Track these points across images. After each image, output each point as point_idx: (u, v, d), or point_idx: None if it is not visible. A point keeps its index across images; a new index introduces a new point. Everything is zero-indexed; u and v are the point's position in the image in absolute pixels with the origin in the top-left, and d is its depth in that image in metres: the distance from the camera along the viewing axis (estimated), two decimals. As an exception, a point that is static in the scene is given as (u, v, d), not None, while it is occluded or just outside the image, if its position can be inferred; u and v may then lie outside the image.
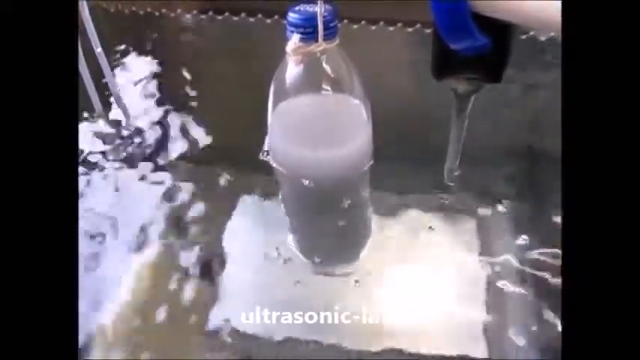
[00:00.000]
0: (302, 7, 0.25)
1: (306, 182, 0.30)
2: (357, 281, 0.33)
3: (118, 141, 0.47)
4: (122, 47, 0.59)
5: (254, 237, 0.37)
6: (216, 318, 0.32)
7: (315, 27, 0.24)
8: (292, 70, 0.27)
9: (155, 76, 0.56)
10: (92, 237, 0.38)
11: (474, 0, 0.21)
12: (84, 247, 0.37)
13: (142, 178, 0.43)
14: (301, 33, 0.25)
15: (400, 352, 0.30)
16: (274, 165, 0.31)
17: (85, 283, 0.34)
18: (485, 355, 0.29)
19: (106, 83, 0.50)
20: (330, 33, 0.25)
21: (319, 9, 0.24)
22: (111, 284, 0.35)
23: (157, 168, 0.43)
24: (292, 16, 0.25)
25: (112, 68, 0.49)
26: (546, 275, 0.33)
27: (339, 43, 0.27)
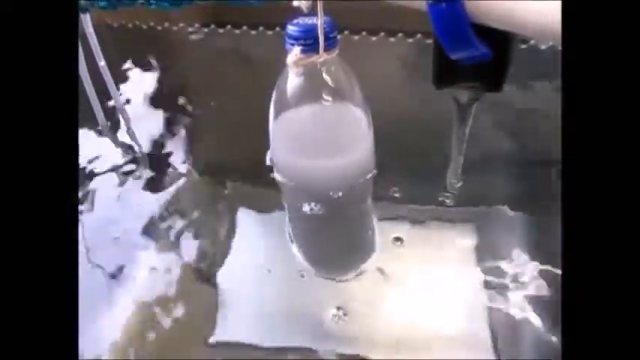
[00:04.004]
0: (301, 20, 0.25)
1: (313, 193, 0.30)
2: (359, 289, 0.33)
3: (120, 152, 0.47)
4: (125, 61, 0.60)
5: (256, 246, 0.37)
6: (218, 327, 0.32)
7: (315, 38, 0.25)
8: (293, 81, 0.27)
9: (158, 88, 0.56)
10: (92, 247, 0.38)
11: (473, 8, 0.21)
12: (84, 257, 0.37)
13: (144, 188, 0.43)
14: (302, 45, 0.25)
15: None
16: (277, 175, 0.31)
17: (85, 292, 0.34)
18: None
19: (110, 96, 0.50)
20: (330, 44, 0.25)
21: (319, 21, 0.24)
22: (111, 295, 0.35)
23: (159, 179, 0.44)
24: (292, 29, 0.25)
25: (116, 81, 0.50)
26: (549, 283, 0.32)
27: (340, 53, 0.27)
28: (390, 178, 0.39)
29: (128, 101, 0.54)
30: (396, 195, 0.39)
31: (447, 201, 0.38)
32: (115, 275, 0.36)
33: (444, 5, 0.21)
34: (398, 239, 0.36)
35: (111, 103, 0.52)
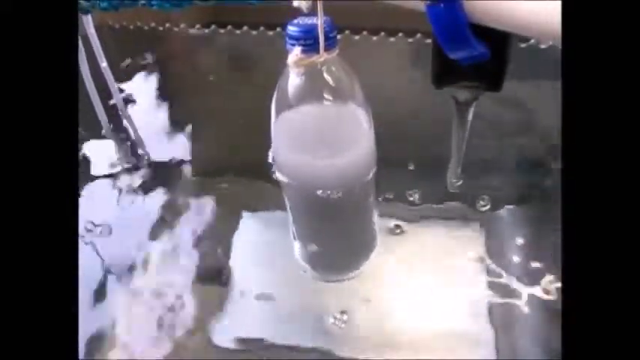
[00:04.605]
0: (301, 20, 0.26)
1: (315, 192, 0.30)
2: (361, 289, 0.33)
3: (123, 153, 0.48)
4: (127, 62, 0.60)
5: (259, 247, 0.37)
6: (220, 327, 0.32)
7: (315, 38, 0.25)
8: (294, 80, 0.27)
9: (159, 89, 0.56)
10: (96, 247, 0.38)
11: (472, 9, 0.21)
12: (88, 258, 0.37)
13: (147, 189, 0.43)
14: (302, 45, 0.25)
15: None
16: (278, 175, 0.31)
17: (87, 291, 0.34)
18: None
19: (112, 97, 0.50)
20: (330, 44, 0.26)
21: (320, 21, 0.25)
22: (116, 295, 0.35)
23: (162, 180, 0.44)
24: (292, 29, 0.25)
25: (118, 82, 0.50)
26: (550, 281, 0.32)
27: (340, 53, 0.27)
28: (390, 177, 0.39)
29: (129, 101, 0.54)
30: (396, 194, 0.39)
31: (448, 199, 0.38)
32: (118, 275, 0.36)
33: (442, 6, 0.21)
34: (399, 238, 0.36)
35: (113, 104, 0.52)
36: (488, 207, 0.38)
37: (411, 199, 0.39)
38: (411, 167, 0.41)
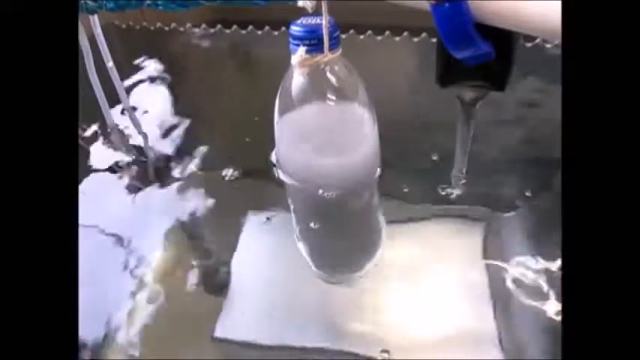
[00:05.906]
0: (303, 21, 0.26)
1: (319, 192, 0.30)
2: (363, 290, 0.33)
3: (128, 153, 0.48)
4: (133, 61, 0.60)
5: (262, 246, 0.38)
6: (222, 325, 0.32)
7: (319, 39, 0.25)
8: (297, 80, 0.27)
9: (165, 89, 0.57)
10: (100, 246, 0.39)
11: (477, 9, 0.21)
12: (91, 257, 0.37)
13: (151, 188, 0.43)
14: (306, 45, 0.25)
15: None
16: (282, 175, 0.31)
17: (92, 292, 0.35)
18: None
19: (118, 97, 0.51)
20: (333, 43, 0.26)
21: (324, 21, 0.25)
22: (118, 294, 0.35)
23: (166, 179, 0.44)
24: (296, 30, 0.25)
25: (123, 82, 0.51)
26: (553, 281, 0.32)
27: (345, 52, 0.27)
28: (395, 177, 0.39)
29: (135, 102, 0.55)
30: (401, 193, 0.39)
31: (452, 199, 0.38)
32: (120, 273, 0.36)
33: (447, 6, 0.21)
34: (402, 239, 0.36)
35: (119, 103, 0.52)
36: (491, 206, 0.38)
37: (415, 198, 0.39)
38: (416, 166, 0.41)
